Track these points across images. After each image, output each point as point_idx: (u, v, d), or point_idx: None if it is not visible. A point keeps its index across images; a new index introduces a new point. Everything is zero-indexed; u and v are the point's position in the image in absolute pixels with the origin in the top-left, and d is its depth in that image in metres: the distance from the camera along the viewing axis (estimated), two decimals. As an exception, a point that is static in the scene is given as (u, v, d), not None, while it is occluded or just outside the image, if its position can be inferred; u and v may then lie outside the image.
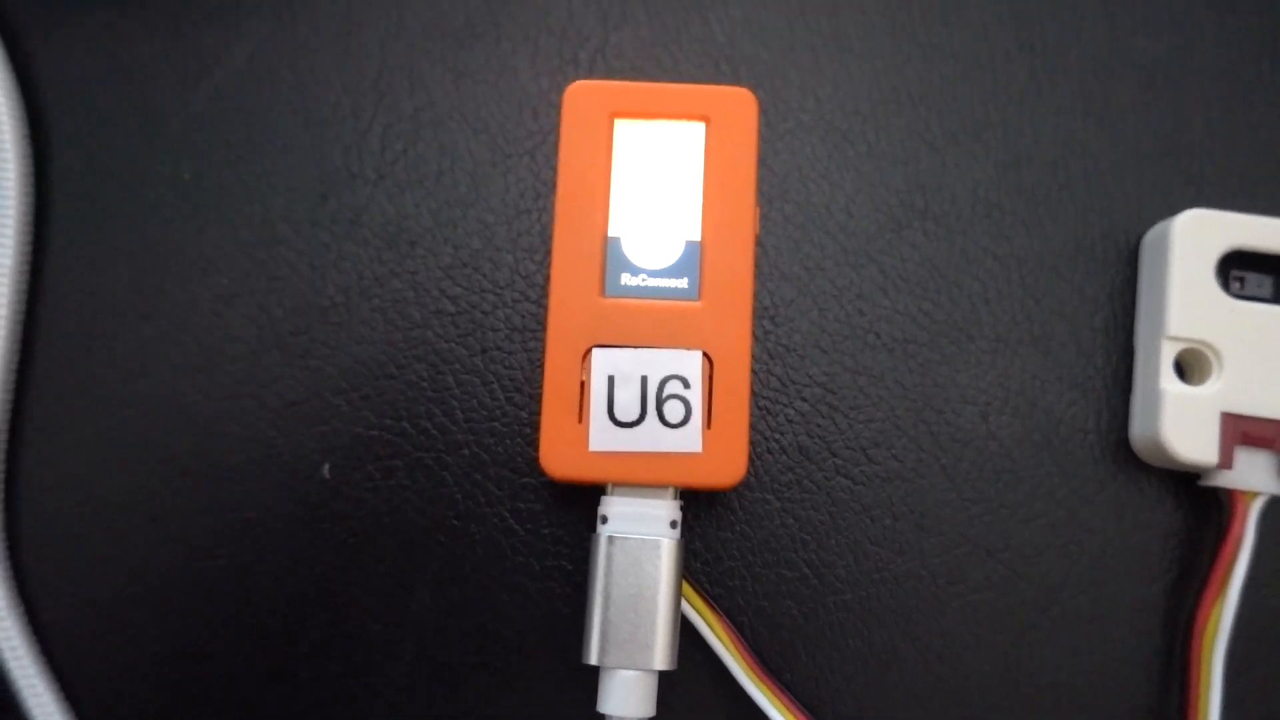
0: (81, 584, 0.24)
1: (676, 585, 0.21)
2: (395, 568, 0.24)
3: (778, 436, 0.24)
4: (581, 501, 0.24)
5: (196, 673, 0.24)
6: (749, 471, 0.24)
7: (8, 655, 0.24)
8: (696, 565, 0.24)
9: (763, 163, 0.25)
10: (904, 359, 0.24)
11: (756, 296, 0.24)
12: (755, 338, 0.24)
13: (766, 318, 0.25)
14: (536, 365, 0.24)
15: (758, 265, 0.24)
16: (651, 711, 0.21)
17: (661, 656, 0.21)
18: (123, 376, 0.25)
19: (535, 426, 0.24)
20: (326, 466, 0.24)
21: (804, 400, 0.24)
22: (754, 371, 0.24)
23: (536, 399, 0.24)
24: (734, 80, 0.25)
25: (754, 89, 0.24)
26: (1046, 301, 0.25)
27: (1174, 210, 0.23)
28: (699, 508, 0.24)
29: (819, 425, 0.24)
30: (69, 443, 0.25)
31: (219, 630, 0.24)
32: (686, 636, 0.23)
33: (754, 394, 0.24)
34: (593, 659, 0.21)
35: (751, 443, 0.24)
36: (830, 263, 0.25)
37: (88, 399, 0.25)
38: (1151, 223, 0.24)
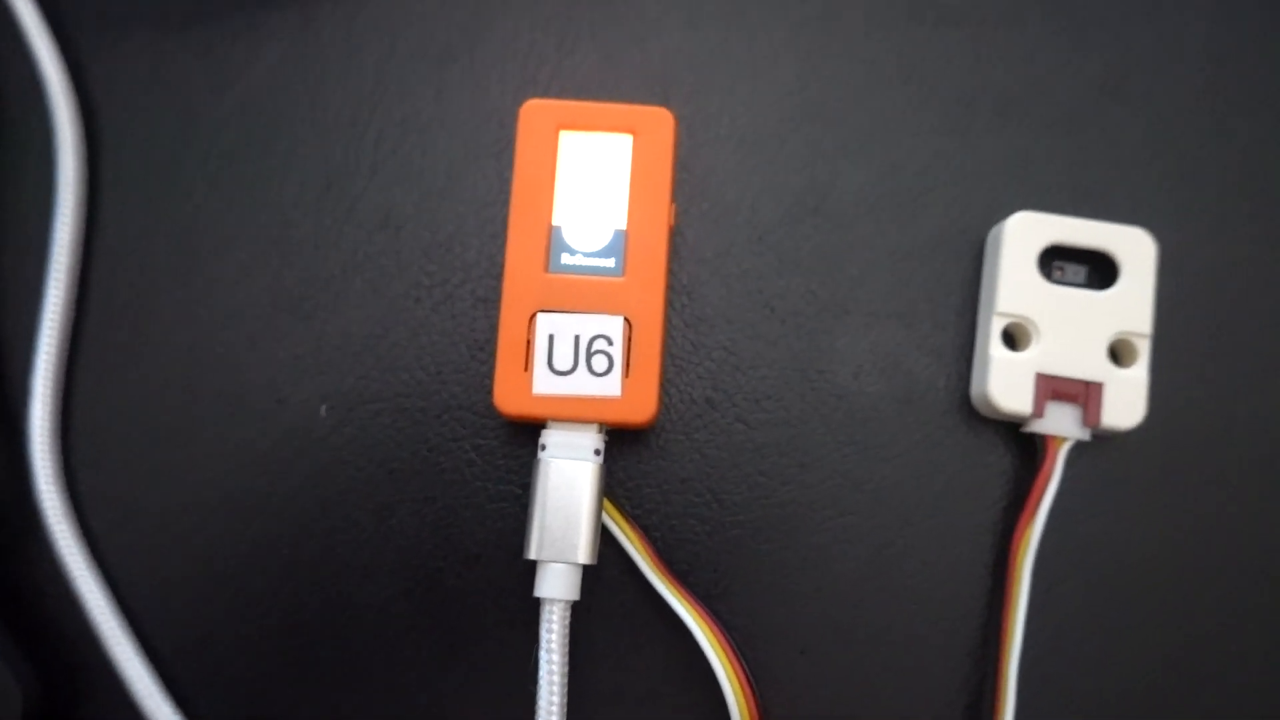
0: (127, 498, 0.27)
1: (598, 498, 0.25)
2: (379, 491, 0.27)
3: (689, 390, 0.28)
4: (528, 439, 0.27)
5: (224, 579, 0.27)
6: (664, 415, 0.27)
7: (68, 559, 0.27)
8: (620, 492, 0.27)
9: (685, 167, 0.29)
10: (794, 328, 0.28)
11: (673, 275, 0.27)
12: (673, 309, 0.28)
13: (684, 293, 0.28)
14: (495, 329, 0.27)
15: (675, 250, 0.28)
16: (577, 595, 0.25)
17: (585, 552, 0.24)
18: (163, 329, 0.28)
19: (493, 377, 0.26)
20: (324, 407, 0.28)
21: (711, 360, 0.28)
22: (671, 337, 0.28)
23: (494, 355, 0.26)
24: (664, 99, 0.29)
25: (681, 106, 0.28)
26: (911, 284, 0.28)
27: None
28: (624, 446, 0.27)
29: (723, 381, 0.28)
30: (118, 383, 0.28)
31: (238, 542, 0.27)
32: (607, 544, 0.26)
33: (671, 355, 0.28)
34: (532, 554, 0.25)
35: (667, 395, 0.28)
36: (738, 249, 0.28)
37: (134, 348, 0.28)
38: (997, 222, 0.28)
